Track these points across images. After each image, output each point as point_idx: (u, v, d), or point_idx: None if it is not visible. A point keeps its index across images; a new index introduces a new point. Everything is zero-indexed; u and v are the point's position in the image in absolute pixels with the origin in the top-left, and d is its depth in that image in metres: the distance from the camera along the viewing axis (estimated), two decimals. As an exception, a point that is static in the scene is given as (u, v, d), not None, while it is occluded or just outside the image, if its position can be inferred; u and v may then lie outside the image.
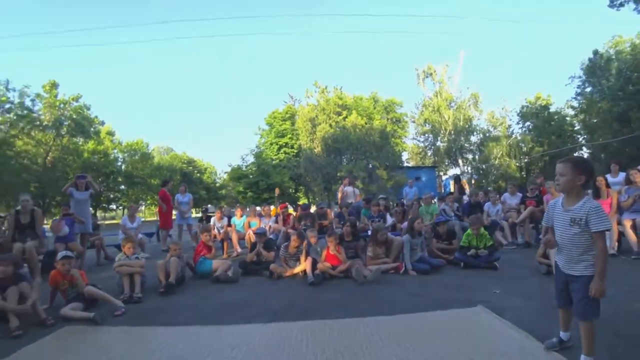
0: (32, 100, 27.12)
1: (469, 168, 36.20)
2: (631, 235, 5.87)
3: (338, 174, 30.99)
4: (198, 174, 46.51)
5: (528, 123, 34.33)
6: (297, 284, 5.12)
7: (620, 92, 21.01)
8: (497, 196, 8.88)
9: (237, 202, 35.46)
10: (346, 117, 32.66)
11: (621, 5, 20.11)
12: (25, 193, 6.52)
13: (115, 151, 38.01)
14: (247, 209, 8.84)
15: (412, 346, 2.78)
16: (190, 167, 46.79)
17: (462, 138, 35.58)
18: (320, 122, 32.68)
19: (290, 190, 31.58)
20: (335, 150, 31.28)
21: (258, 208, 9.44)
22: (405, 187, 13.77)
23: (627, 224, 5.95)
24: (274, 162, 32.52)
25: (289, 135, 34.59)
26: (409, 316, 3.56)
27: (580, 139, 31.80)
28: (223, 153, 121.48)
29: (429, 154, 39.28)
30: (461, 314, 3.56)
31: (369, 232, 7.09)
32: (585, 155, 31.49)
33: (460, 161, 36.21)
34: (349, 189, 10.88)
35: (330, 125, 32.36)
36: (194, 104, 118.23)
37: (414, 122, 40.37)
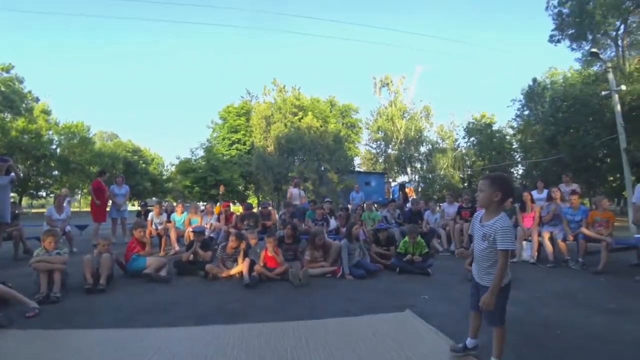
0: None
1: (417, 176, 37.90)
2: (548, 246, 6.59)
3: (289, 174, 30.90)
4: (144, 164, 44.08)
5: (473, 138, 36.62)
6: (231, 285, 5.03)
7: (551, 118, 23.30)
8: (437, 205, 9.41)
9: (183, 196, 34.15)
10: (302, 118, 32.73)
11: (558, 42, 23.39)
12: None
13: (50, 132, 34.75)
14: (188, 206, 8.55)
15: (337, 350, 2.86)
16: (136, 157, 44.21)
17: (412, 147, 37.27)
18: (275, 121, 32.46)
19: (240, 187, 30.91)
20: (288, 150, 31.20)
21: (201, 205, 9.15)
22: (352, 192, 14.14)
23: (546, 235, 6.69)
24: (224, 157, 31.65)
25: (242, 132, 33.90)
26: (339, 320, 3.63)
27: (517, 157, 34.57)
28: (173, 144, 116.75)
29: (380, 161, 40.58)
30: (388, 319, 3.66)
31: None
32: (520, 172, 34.40)
33: (408, 169, 37.86)
34: (295, 190, 10.95)
35: (285, 125, 32.24)
36: (145, 89, 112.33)
37: (367, 128, 41.60)
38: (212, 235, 7.38)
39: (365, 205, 10.02)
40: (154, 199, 34.35)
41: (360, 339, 3.12)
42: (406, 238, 6.30)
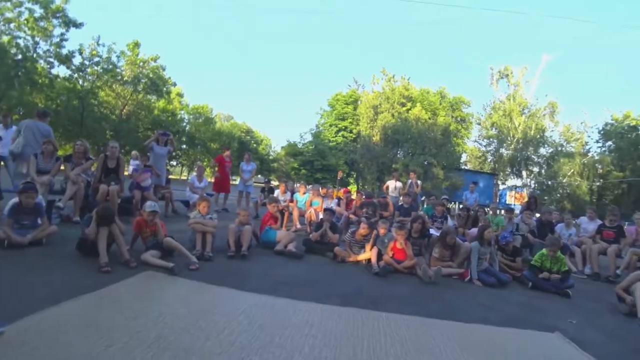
0: (117, 57, 29.06)
1: (533, 182, 33.61)
2: None
3: (393, 166, 30.27)
4: (254, 144, 47.87)
5: (610, 143, 30.87)
6: (360, 271, 5.01)
7: None
8: (572, 219, 8.06)
9: (288, 177, 36.15)
10: (410, 109, 31.59)
11: None
12: (114, 140, 6.95)
13: (182, 112, 40.01)
14: (310, 187, 8.84)
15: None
16: (248, 137, 48.24)
17: (531, 148, 33.05)
18: (382, 111, 31.93)
19: (343, 175, 31.51)
20: (394, 141, 30.44)
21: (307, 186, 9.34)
22: (466, 192, 13.08)
23: None
24: (330, 143, 32.49)
25: (349, 119, 34.25)
26: (481, 327, 3.40)
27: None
28: (280, 128, 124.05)
29: (489, 160, 37.04)
30: (536, 338, 3.31)
31: (431, 231, 6.78)
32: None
33: (524, 173, 33.76)
34: (392, 183, 10.82)
35: (393, 115, 31.49)
36: (260, 75, 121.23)
37: (479, 124, 38.13)
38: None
39: (491, 207, 9.11)
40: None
41: (506, 352, 2.88)
42: (544, 250, 5.52)
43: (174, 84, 36.30)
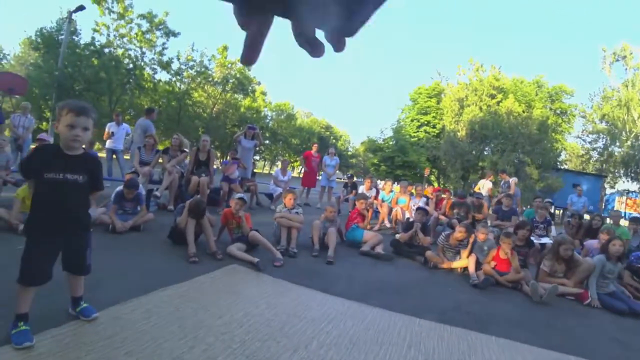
0: (209, 60, 31.57)
1: (654, 187, 28.26)
2: None
3: (480, 164, 27.88)
4: (334, 140, 48.19)
5: None
6: (457, 281, 4.39)
7: None
8: None
9: (367, 172, 35.57)
10: (501, 101, 28.67)
11: None
12: (206, 134, 7.28)
13: (266, 109, 41.84)
14: (397, 185, 8.33)
15: None
16: (328, 133, 48.72)
17: (654, 145, 27.78)
18: (469, 104, 29.51)
19: (430, 172, 29.90)
20: (482, 137, 27.95)
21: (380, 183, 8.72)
22: (572, 195, 11.32)
23: None
24: (412, 139, 31.05)
25: (432, 114, 32.29)
26: None
27: None
28: (359, 124, 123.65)
29: (594, 159, 32.08)
30: None
31: (535, 240, 5.83)
32: None
33: (643, 175, 28.51)
34: (487, 183, 9.96)
35: (481, 109, 28.90)
36: (339, 71, 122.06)
37: (584, 116, 33.10)
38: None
39: (611, 216, 7.65)
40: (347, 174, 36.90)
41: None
42: None
43: (259, 83, 38.12)
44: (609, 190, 29.94)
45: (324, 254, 4.47)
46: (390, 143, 31.00)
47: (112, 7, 23.79)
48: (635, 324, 3.81)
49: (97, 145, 9.73)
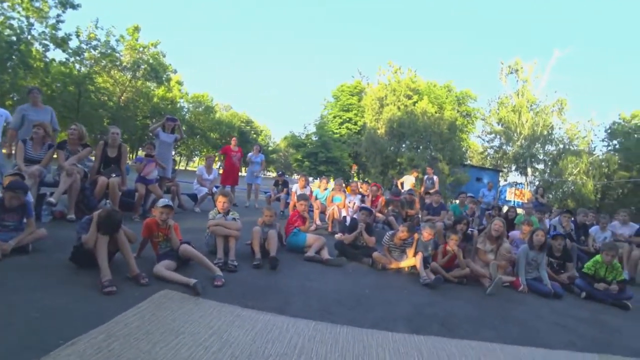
0: (117, 41, 27.83)
1: (537, 179, 32.89)
2: None
3: (398, 159, 29.48)
4: (254, 135, 46.95)
5: (615, 142, 30.23)
6: (408, 281, 4.29)
7: None
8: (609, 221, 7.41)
9: (288, 168, 35.35)
10: (416, 102, 30.72)
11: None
12: (114, 125, 6.11)
13: (182, 101, 38.85)
14: (330, 182, 8.08)
15: None
16: (248, 127, 47.26)
17: (538, 145, 32.31)
18: (388, 103, 31.03)
19: (346, 167, 30.59)
20: (399, 135, 29.64)
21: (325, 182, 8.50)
22: (483, 189, 12.40)
23: None
24: (335, 135, 31.55)
25: (354, 111, 33.23)
26: (585, 356, 2.89)
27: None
28: (280, 119, 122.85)
29: (490, 154, 36.36)
30: None
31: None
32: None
33: (529, 170, 32.99)
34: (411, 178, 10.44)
35: (399, 108, 30.60)
36: (260, 65, 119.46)
37: (483, 119, 37.22)
38: (354, 216, 6.72)
39: (523, 208, 8.40)
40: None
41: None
42: (598, 257, 4.89)
43: (175, 71, 35.21)
44: (502, 183, 33.99)
45: (265, 262, 3.99)
46: (313, 139, 31.13)
47: None
48: (559, 305, 4.27)
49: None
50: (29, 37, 21.82)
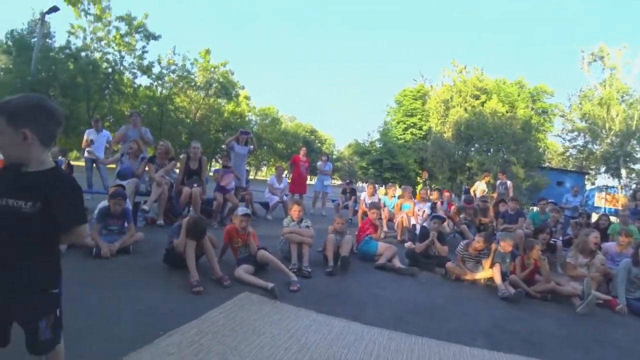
0: (191, 64, 30.58)
1: (634, 182, 28.78)
2: None
3: (467, 164, 27.98)
4: (319, 144, 47.90)
5: None
6: (484, 294, 4.03)
7: None
8: None
9: (352, 175, 35.37)
10: (485, 102, 28.97)
11: None
12: (196, 140, 6.71)
13: (250, 114, 41.11)
14: (398, 189, 7.96)
15: None
16: (312, 136, 48.38)
17: (634, 142, 28.39)
18: (454, 105, 29.68)
19: (413, 174, 29.66)
20: (468, 138, 28.12)
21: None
22: (567, 195, 11.19)
23: None
24: (399, 141, 30.88)
25: (418, 116, 32.24)
26: None
27: None
28: (343, 126, 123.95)
29: (573, 156, 32.75)
30: None
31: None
32: None
33: (623, 171, 29.05)
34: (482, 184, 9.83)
35: (465, 110, 29.09)
36: (322, 76, 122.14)
37: (563, 116, 33.71)
38: (424, 224, 6.52)
39: (618, 215, 7.48)
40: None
41: None
42: None
43: (242, 87, 37.40)
44: (588, 187, 30.52)
45: (338, 269, 4.04)
46: (378, 146, 30.79)
47: (89, 8, 22.88)
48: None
49: (73, 154, 9.01)
50: (121, 67, 24.99)
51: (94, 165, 7.82)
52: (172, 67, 29.08)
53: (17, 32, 20.94)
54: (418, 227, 6.49)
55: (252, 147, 7.48)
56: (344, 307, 3.07)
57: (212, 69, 32.61)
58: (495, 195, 9.84)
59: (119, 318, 2.46)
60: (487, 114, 27.81)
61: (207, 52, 32.20)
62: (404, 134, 31.79)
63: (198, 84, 32.16)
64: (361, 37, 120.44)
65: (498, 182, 10.07)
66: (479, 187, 10.10)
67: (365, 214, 7.01)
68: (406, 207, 6.88)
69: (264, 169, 58.44)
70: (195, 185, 5.82)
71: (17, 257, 1.31)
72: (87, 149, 7.75)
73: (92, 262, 3.57)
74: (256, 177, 51.48)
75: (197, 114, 32.91)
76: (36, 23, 19.81)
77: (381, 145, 30.17)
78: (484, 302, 3.74)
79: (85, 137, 7.80)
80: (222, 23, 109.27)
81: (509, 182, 9.88)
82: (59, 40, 22.74)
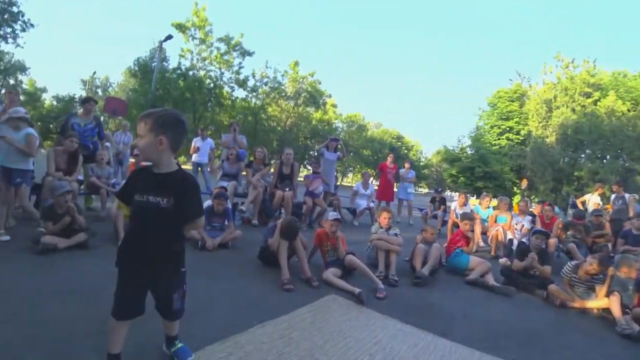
0: (282, 76, 33.04)
1: None
2: None
3: (575, 173, 24.61)
4: (405, 150, 46.84)
5: None
6: (598, 327, 3.46)
7: None
8: None
9: (440, 184, 33.68)
10: (599, 100, 25.13)
11: None
12: (289, 147, 7.19)
13: (337, 121, 42.17)
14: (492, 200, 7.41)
15: None
16: (399, 143, 47.49)
17: None
18: (558, 105, 26.43)
19: (509, 183, 27.02)
20: (576, 143, 24.69)
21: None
22: None
23: None
24: (493, 147, 28.42)
25: (515, 119, 29.28)
26: None
27: None
28: (431, 132, 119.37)
29: None
30: None
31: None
32: None
33: None
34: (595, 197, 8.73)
35: (573, 110, 25.66)
36: (408, 80, 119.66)
37: None
38: (524, 240, 5.94)
39: None
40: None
41: None
42: None
43: (329, 96, 38.53)
44: None
45: (425, 280, 3.91)
46: (469, 152, 28.76)
47: (195, 34, 26.56)
48: None
49: (182, 159, 10.29)
50: (221, 82, 28.44)
51: (199, 169, 8.84)
52: (265, 80, 31.63)
53: (142, 59, 25.20)
54: (515, 242, 5.95)
55: (340, 153, 7.72)
56: (432, 321, 2.97)
57: (301, 80, 34.30)
58: (609, 207, 8.46)
59: (218, 304, 2.78)
60: (602, 114, 24.31)
61: (296, 63, 34.04)
62: (499, 139, 29.24)
63: (288, 94, 34.20)
64: (449, 37, 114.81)
65: (614, 195, 8.54)
66: (592, 200, 8.85)
67: (455, 225, 6.69)
68: (502, 220, 6.36)
69: (350, 175, 59.02)
70: (287, 189, 6.21)
71: (162, 242, 1.67)
72: (193, 155, 8.83)
73: (197, 252, 4.10)
74: (342, 183, 52.36)
75: (287, 122, 34.91)
76: (155, 50, 23.44)
77: (473, 151, 28.11)
78: (597, 336, 3.23)
79: (192, 145, 8.87)
80: (310, 33, 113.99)
81: (628, 196, 8.31)
82: (172, 63, 26.78)
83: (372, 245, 4.17)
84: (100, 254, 3.58)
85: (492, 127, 30.41)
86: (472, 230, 4.93)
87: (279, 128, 33.90)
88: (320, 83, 35.80)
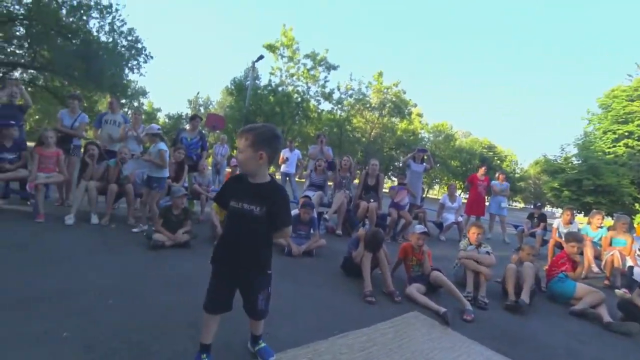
0: (366, 87, 33.45)
1: None
2: None
3: None
4: (498, 161, 43.11)
5: None
6: None
7: None
8: None
9: (538, 198, 30.15)
10: None
11: None
12: (374, 158, 7.23)
13: (423, 131, 40.83)
14: (605, 218, 6.40)
15: None
16: (490, 153, 43.93)
17: None
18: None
19: (628, 199, 22.65)
20: None
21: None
22: None
23: None
24: (606, 156, 24.09)
25: (635, 122, 24.32)
26: None
27: None
28: (527, 140, 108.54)
29: None
30: None
31: None
32: None
33: None
34: None
35: None
36: (500, 84, 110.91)
37: None
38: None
39: None
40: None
41: None
42: None
43: (415, 105, 37.56)
44: None
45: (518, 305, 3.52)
46: (575, 162, 24.86)
47: (283, 52, 28.62)
48: None
49: (271, 169, 10.99)
50: (308, 96, 29.69)
51: (287, 178, 9.31)
52: (350, 92, 32.29)
53: (237, 79, 27.99)
54: (637, 270, 5.04)
55: (427, 165, 7.49)
56: (527, 353, 2.66)
57: (385, 90, 34.10)
58: None
59: (302, 309, 2.88)
60: None
61: (380, 74, 33.98)
62: (614, 146, 24.64)
63: (373, 105, 34.32)
64: (549, 32, 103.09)
65: None
66: None
67: (558, 245, 5.98)
68: (620, 243, 5.44)
69: (436, 187, 56.43)
70: (372, 201, 6.19)
71: (252, 246, 1.84)
72: (282, 165, 9.34)
73: (283, 258, 4.33)
74: (427, 195, 50.27)
75: (372, 133, 34.92)
76: (249, 70, 25.67)
77: (580, 161, 24.11)
78: None
79: (281, 156, 9.38)
80: (394, 42, 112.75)
81: None
82: (263, 80, 29.13)
83: (460, 263, 3.92)
84: (199, 253, 4.05)
85: (605, 133, 25.78)
86: (581, 254, 4.31)
87: (364, 139, 34.11)
88: (405, 92, 35.21)
